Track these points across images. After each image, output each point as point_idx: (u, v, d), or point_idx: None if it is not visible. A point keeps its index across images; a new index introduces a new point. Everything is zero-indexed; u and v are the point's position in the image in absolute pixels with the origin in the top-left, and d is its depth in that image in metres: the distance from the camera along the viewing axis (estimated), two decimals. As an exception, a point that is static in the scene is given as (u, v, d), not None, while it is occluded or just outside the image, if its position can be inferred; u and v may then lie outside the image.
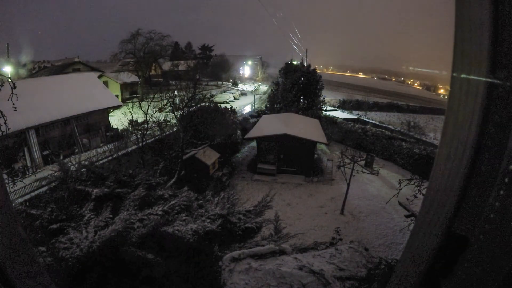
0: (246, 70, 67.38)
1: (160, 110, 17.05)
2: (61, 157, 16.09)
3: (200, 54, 69.48)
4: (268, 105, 29.11)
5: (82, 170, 4.42)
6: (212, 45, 70.29)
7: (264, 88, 54.22)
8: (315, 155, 18.69)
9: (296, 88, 25.96)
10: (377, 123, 29.59)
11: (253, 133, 18.50)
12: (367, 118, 31.73)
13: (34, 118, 15.73)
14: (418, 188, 8.91)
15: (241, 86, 56.68)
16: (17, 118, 13.37)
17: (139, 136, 14.67)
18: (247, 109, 35.39)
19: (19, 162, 15.13)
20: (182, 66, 51.16)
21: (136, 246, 2.96)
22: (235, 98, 42.58)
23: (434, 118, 38.42)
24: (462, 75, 0.79)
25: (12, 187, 10.79)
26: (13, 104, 2.93)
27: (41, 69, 36.19)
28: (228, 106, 27.61)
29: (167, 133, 17.37)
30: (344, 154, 13.92)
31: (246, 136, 18.68)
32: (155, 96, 18.47)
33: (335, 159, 17.44)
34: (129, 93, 38.74)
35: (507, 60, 0.70)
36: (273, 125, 19.05)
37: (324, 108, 29.20)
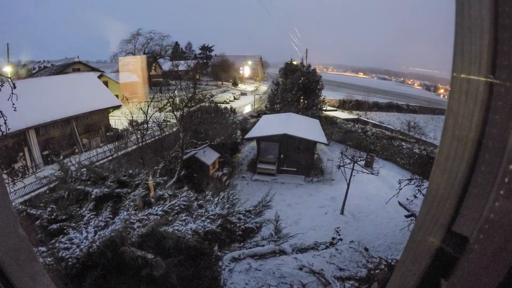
0: (246, 70, 67.36)
1: (160, 110, 17.06)
2: (61, 157, 16.11)
3: (200, 54, 69.53)
4: (268, 105, 29.12)
5: (82, 170, 4.42)
6: (212, 45, 70.41)
7: (264, 88, 54.23)
8: (315, 155, 18.69)
9: (296, 88, 25.96)
10: (377, 123, 29.60)
11: (253, 133, 18.50)
12: (367, 118, 31.73)
13: (34, 118, 15.71)
14: (418, 188, 8.92)
15: (241, 86, 56.67)
16: (17, 118, 13.36)
17: (139, 136, 14.67)
18: (247, 109, 35.39)
19: (19, 162, 15.12)
20: (182, 66, 51.16)
21: (136, 246, 2.96)
22: (235, 98, 42.58)
23: (434, 118, 38.43)
24: (462, 75, 0.79)
25: (12, 187, 10.81)
26: (13, 104, 2.92)
27: (41, 69, 36.21)
28: (228, 106, 27.63)
29: (167, 133, 17.38)
30: (344, 154, 13.92)
31: (246, 136, 18.68)
32: (155, 96, 18.48)
33: (335, 159, 17.44)
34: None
35: (507, 60, 0.70)
36: (273, 125, 19.06)
37: (324, 108, 29.21)
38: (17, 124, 14.01)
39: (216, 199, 4.43)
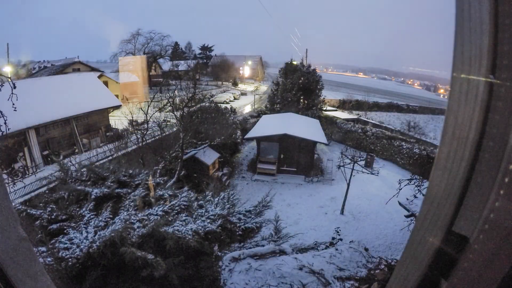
0: (246, 70, 67.34)
1: (160, 110, 17.07)
2: (61, 157, 16.10)
3: (200, 54, 69.51)
4: (268, 105, 29.11)
5: (82, 170, 4.42)
6: (212, 45, 70.41)
7: (264, 88, 54.23)
8: (315, 155, 18.69)
9: (296, 88, 25.96)
10: (377, 123, 29.59)
11: (253, 133, 18.50)
12: (367, 118, 31.73)
13: (34, 118, 15.71)
14: (418, 188, 8.91)
15: (241, 86, 56.66)
16: (17, 118, 13.35)
17: (139, 136, 14.68)
18: (247, 109, 35.39)
19: (19, 162, 15.12)
20: (182, 66, 51.17)
21: (136, 246, 2.96)
22: (235, 98, 42.57)
23: (434, 118, 38.42)
24: (462, 75, 0.79)
25: (12, 187, 10.81)
26: (13, 104, 2.92)
27: (41, 69, 36.22)
28: (228, 106, 27.63)
29: (167, 133, 17.38)
30: (344, 154, 13.92)
31: (246, 136, 18.68)
32: (155, 96, 18.49)
33: (335, 159, 17.44)
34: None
35: (507, 60, 0.70)
36: (273, 125, 19.06)
37: (324, 108, 29.20)
38: (17, 124, 14.01)
39: (216, 199, 4.43)
